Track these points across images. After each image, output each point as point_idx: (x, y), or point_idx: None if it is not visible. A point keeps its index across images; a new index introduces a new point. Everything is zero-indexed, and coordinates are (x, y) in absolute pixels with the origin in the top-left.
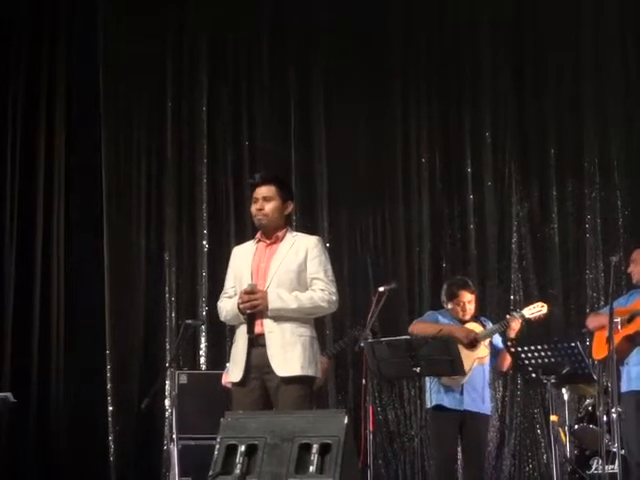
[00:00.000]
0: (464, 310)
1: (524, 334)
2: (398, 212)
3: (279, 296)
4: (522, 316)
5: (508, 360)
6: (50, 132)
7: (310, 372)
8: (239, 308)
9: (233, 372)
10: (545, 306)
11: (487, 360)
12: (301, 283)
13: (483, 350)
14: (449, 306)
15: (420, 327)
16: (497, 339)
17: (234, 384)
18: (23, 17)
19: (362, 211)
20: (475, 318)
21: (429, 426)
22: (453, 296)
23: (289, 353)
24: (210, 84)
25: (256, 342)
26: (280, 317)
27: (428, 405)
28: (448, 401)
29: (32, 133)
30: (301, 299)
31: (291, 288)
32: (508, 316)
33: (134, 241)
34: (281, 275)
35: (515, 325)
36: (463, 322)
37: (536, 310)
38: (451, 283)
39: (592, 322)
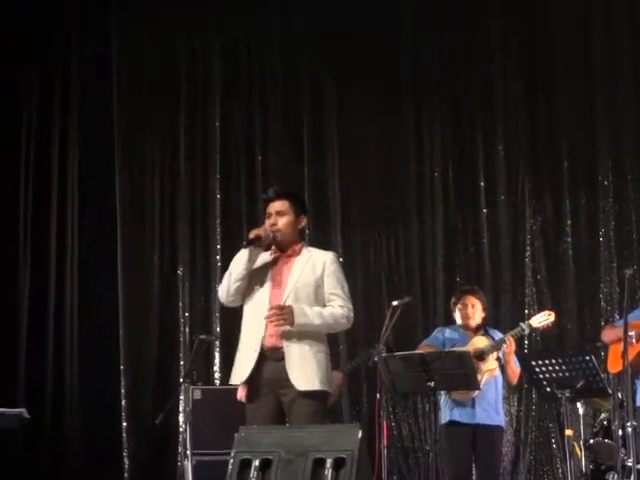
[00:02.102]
0: (467, 315)
1: (538, 348)
2: (411, 227)
3: (304, 311)
4: (529, 326)
5: (516, 373)
6: (64, 149)
7: (326, 387)
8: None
9: (240, 373)
10: (552, 314)
11: (497, 372)
12: (318, 298)
13: (492, 362)
14: (456, 313)
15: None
16: (502, 353)
17: (248, 390)
18: (36, 34)
19: (375, 226)
20: (483, 331)
21: (442, 442)
22: (458, 300)
23: (308, 367)
24: (223, 100)
25: (270, 356)
26: (298, 332)
27: (442, 422)
28: (460, 415)
29: (46, 150)
30: (324, 315)
31: (308, 302)
32: (510, 332)
33: (148, 256)
34: (299, 289)
35: (510, 344)
36: (470, 329)
37: (543, 319)
38: (459, 289)
39: (608, 335)
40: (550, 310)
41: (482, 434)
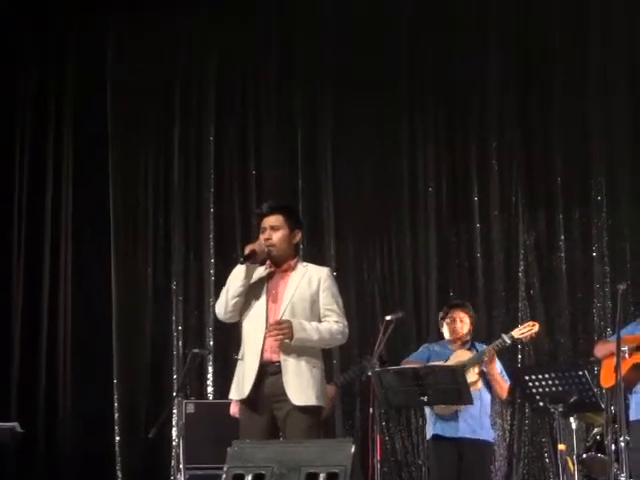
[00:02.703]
0: (455, 329)
1: (531, 362)
2: (405, 241)
3: (302, 326)
4: (511, 337)
5: (504, 387)
6: (57, 160)
7: (322, 402)
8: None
9: (241, 389)
10: (536, 325)
11: (480, 385)
12: (314, 313)
13: (472, 376)
14: (444, 328)
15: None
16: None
17: (243, 404)
18: (30, 44)
19: (369, 240)
20: (469, 345)
21: (429, 457)
22: (446, 315)
23: (304, 382)
24: (217, 112)
25: (268, 370)
26: (296, 347)
27: (428, 436)
28: (443, 430)
29: (40, 162)
30: (321, 330)
31: (304, 317)
32: (491, 345)
33: (141, 270)
34: (296, 304)
35: (491, 356)
36: (458, 344)
37: (526, 330)
38: (447, 304)
39: (600, 350)
40: (534, 321)
41: (467, 449)
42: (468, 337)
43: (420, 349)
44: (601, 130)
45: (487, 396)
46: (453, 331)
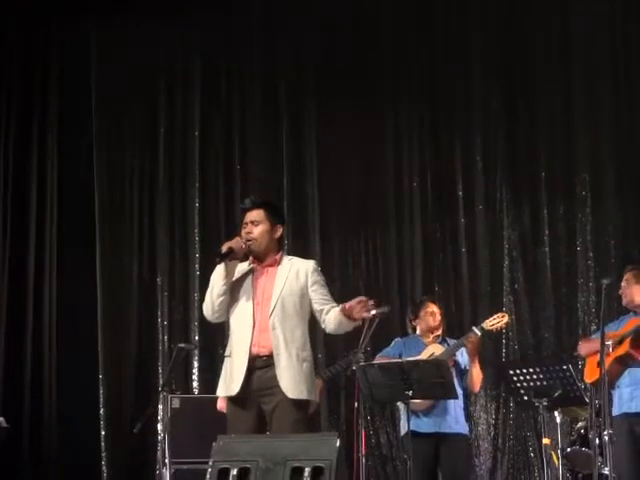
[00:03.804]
0: (431, 322)
1: (515, 357)
2: (390, 236)
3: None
4: (482, 329)
5: (477, 379)
6: (42, 158)
7: (312, 397)
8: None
9: (229, 386)
10: (506, 316)
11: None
12: (303, 306)
13: None
14: (416, 322)
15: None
16: (463, 359)
17: (230, 400)
18: (15, 44)
19: (354, 235)
20: (441, 339)
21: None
22: (420, 308)
23: (297, 376)
24: (202, 109)
25: (257, 365)
26: (286, 340)
27: (402, 432)
28: (417, 425)
29: (24, 159)
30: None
31: (294, 311)
32: (463, 337)
33: (127, 265)
34: (285, 298)
35: (470, 343)
36: (430, 337)
37: (496, 321)
38: (418, 299)
39: (583, 348)
40: (503, 312)
41: (443, 443)
42: (440, 330)
43: (392, 344)
44: (585, 126)
45: (460, 390)
46: (429, 324)
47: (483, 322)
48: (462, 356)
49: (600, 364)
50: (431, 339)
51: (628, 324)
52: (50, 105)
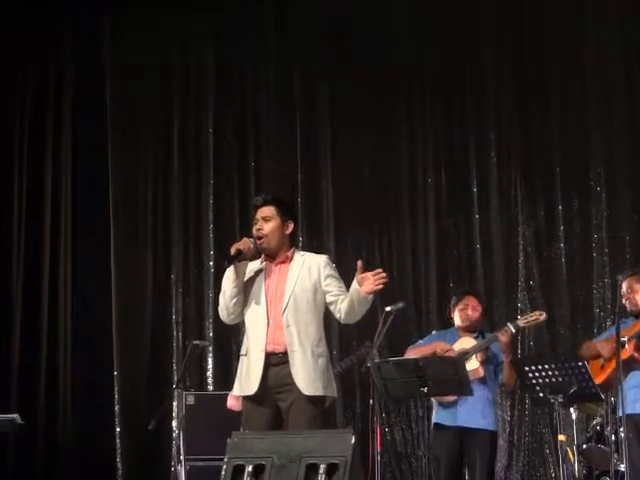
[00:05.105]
0: (467, 316)
1: (531, 353)
2: (404, 232)
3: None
4: (517, 326)
5: (511, 375)
6: (57, 150)
7: (329, 392)
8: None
9: (246, 385)
10: (544, 314)
11: (481, 372)
12: (317, 302)
13: (472, 363)
14: (455, 314)
15: (409, 354)
16: (498, 353)
17: (246, 398)
18: (31, 32)
19: (368, 231)
20: (477, 333)
21: (431, 446)
22: (459, 301)
23: (313, 373)
24: (216, 104)
25: (272, 362)
26: (300, 337)
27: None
28: (443, 418)
29: (39, 152)
30: None
31: (307, 308)
32: (500, 331)
33: (141, 262)
34: (298, 294)
35: (504, 338)
36: (468, 331)
37: (532, 318)
38: (460, 290)
39: (585, 352)
40: (541, 310)
41: (467, 437)
42: (477, 324)
43: (429, 335)
44: (600, 121)
45: (492, 384)
46: (465, 318)
47: (518, 319)
48: (498, 350)
49: (603, 367)
50: (466, 332)
51: (632, 327)
52: (64, 100)
